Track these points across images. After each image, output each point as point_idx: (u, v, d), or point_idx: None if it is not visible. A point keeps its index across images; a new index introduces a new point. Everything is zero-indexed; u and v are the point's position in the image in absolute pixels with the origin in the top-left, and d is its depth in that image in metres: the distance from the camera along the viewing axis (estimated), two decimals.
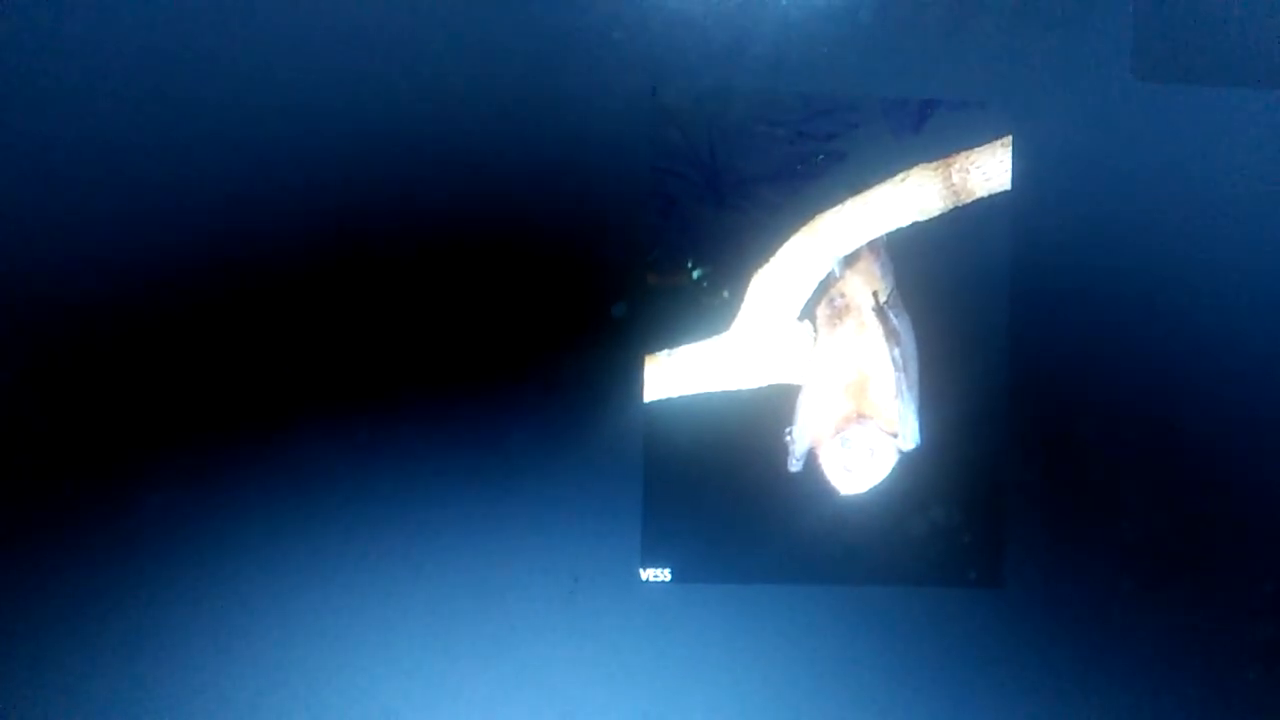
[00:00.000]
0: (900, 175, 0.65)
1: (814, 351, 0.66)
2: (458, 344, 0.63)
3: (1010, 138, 0.65)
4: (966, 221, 0.66)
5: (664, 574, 0.64)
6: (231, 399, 0.62)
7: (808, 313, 0.66)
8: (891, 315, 0.66)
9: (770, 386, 0.66)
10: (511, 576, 0.63)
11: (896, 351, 0.65)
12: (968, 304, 0.66)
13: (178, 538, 0.61)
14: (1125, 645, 0.66)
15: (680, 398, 0.65)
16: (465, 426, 0.63)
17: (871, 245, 0.66)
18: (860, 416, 0.65)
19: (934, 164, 0.65)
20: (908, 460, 0.66)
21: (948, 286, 0.67)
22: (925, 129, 0.65)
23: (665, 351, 0.65)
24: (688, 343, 0.65)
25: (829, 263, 0.66)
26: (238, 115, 0.61)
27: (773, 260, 0.65)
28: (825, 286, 0.66)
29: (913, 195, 0.65)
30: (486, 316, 0.63)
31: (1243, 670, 0.66)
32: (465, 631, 0.63)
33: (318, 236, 0.62)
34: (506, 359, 0.63)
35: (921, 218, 0.65)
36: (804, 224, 0.65)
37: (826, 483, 0.65)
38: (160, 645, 0.61)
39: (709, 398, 0.65)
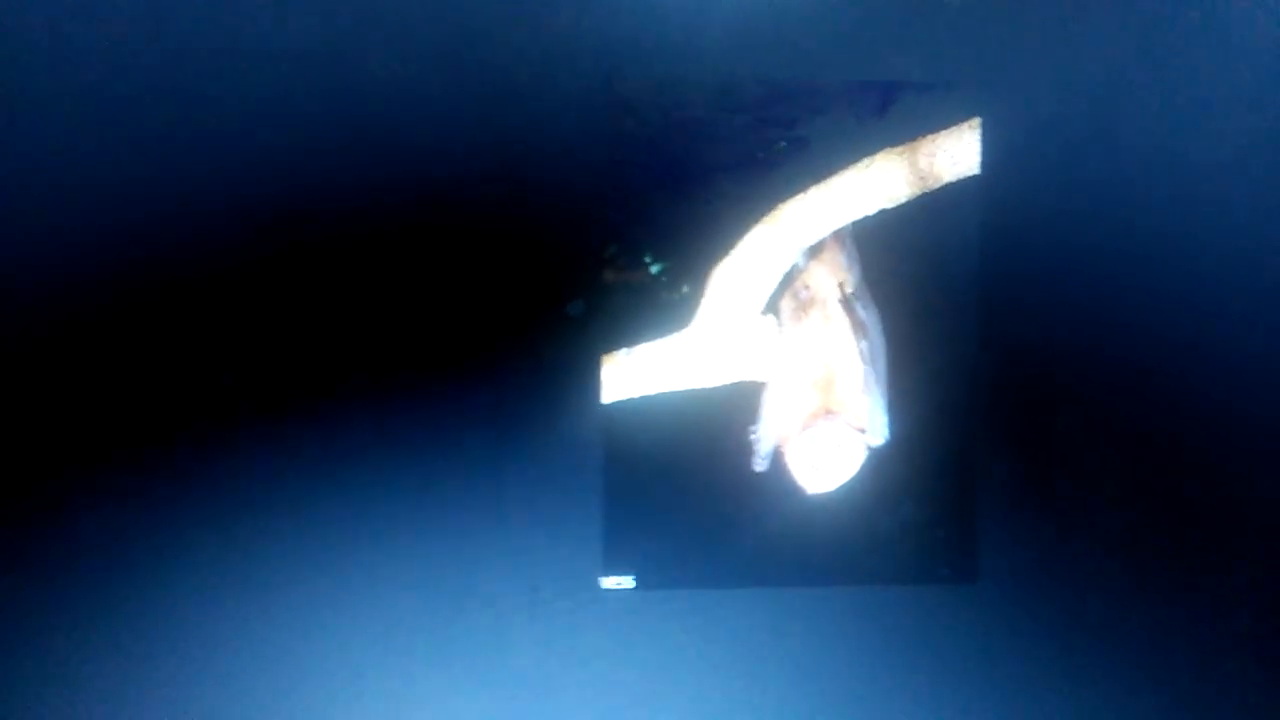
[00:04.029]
0: (865, 161, 0.63)
1: (778, 346, 0.65)
2: (404, 346, 0.61)
3: (979, 120, 0.63)
4: (934, 208, 0.64)
5: (627, 581, 0.63)
6: (169, 405, 0.60)
7: (771, 306, 0.65)
8: (858, 307, 0.64)
9: (734, 384, 0.65)
10: (467, 588, 0.62)
11: (864, 344, 0.64)
12: (937, 293, 0.65)
13: (115, 554, 0.60)
14: (1101, 640, 0.65)
15: (640, 398, 0.63)
16: (414, 432, 0.61)
17: (836, 235, 0.65)
18: (827, 412, 0.64)
19: (900, 149, 0.64)
20: (877, 456, 0.64)
21: (916, 276, 0.65)
22: (890, 112, 0.64)
23: (624, 350, 0.63)
24: (647, 341, 0.64)
25: (793, 254, 0.64)
26: (165, 109, 0.59)
27: (734, 253, 0.64)
28: (789, 279, 0.65)
29: (878, 182, 0.63)
30: (434, 317, 0.61)
31: (1221, 663, 0.66)
32: (419, 647, 0.62)
33: (260, 234, 0.60)
34: (456, 361, 0.61)
35: (888, 205, 0.64)
36: (766, 214, 0.64)
37: (794, 482, 0.64)
38: (103, 661, 0.60)
39: (670, 397, 0.64)
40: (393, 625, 0.61)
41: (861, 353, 0.64)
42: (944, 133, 0.63)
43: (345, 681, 0.61)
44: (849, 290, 0.65)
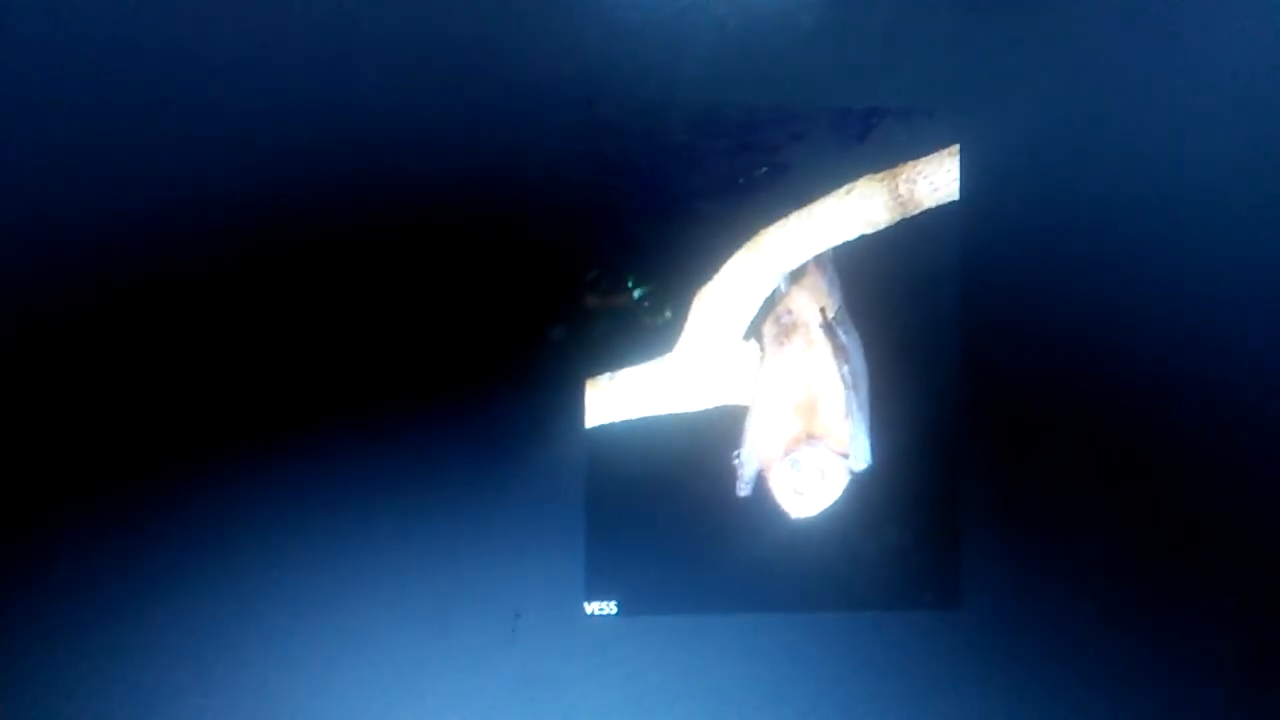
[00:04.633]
0: (845, 187, 0.64)
1: (761, 371, 0.64)
2: (385, 370, 0.61)
3: (958, 146, 0.64)
4: (914, 233, 0.64)
5: (610, 607, 0.63)
6: (139, 435, 0.59)
7: (753, 331, 0.65)
8: (840, 332, 0.64)
9: (716, 409, 0.65)
10: (449, 614, 0.61)
11: (846, 369, 0.64)
12: (918, 318, 0.65)
13: (82, 586, 0.59)
14: (1086, 664, 0.65)
15: (623, 423, 0.63)
16: (395, 457, 0.61)
17: (818, 260, 0.65)
18: (810, 437, 0.64)
19: (880, 175, 0.64)
20: (860, 481, 0.64)
21: (897, 300, 0.65)
22: (870, 139, 0.64)
23: (606, 375, 0.63)
24: (630, 365, 0.63)
25: (774, 279, 0.64)
26: (138, 123, 0.59)
27: (716, 278, 0.64)
28: (771, 304, 0.65)
29: (859, 207, 0.64)
30: (416, 343, 0.61)
31: (1206, 687, 0.65)
32: (401, 672, 0.61)
33: (232, 260, 0.59)
34: (439, 387, 0.61)
35: (868, 230, 0.64)
36: (747, 239, 0.64)
37: (777, 507, 0.64)
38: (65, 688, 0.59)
39: (653, 422, 0.64)
40: (373, 650, 0.61)
41: (843, 377, 0.64)
42: (924, 159, 0.64)
43: (327, 705, 0.60)
44: (830, 315, 0.65)
